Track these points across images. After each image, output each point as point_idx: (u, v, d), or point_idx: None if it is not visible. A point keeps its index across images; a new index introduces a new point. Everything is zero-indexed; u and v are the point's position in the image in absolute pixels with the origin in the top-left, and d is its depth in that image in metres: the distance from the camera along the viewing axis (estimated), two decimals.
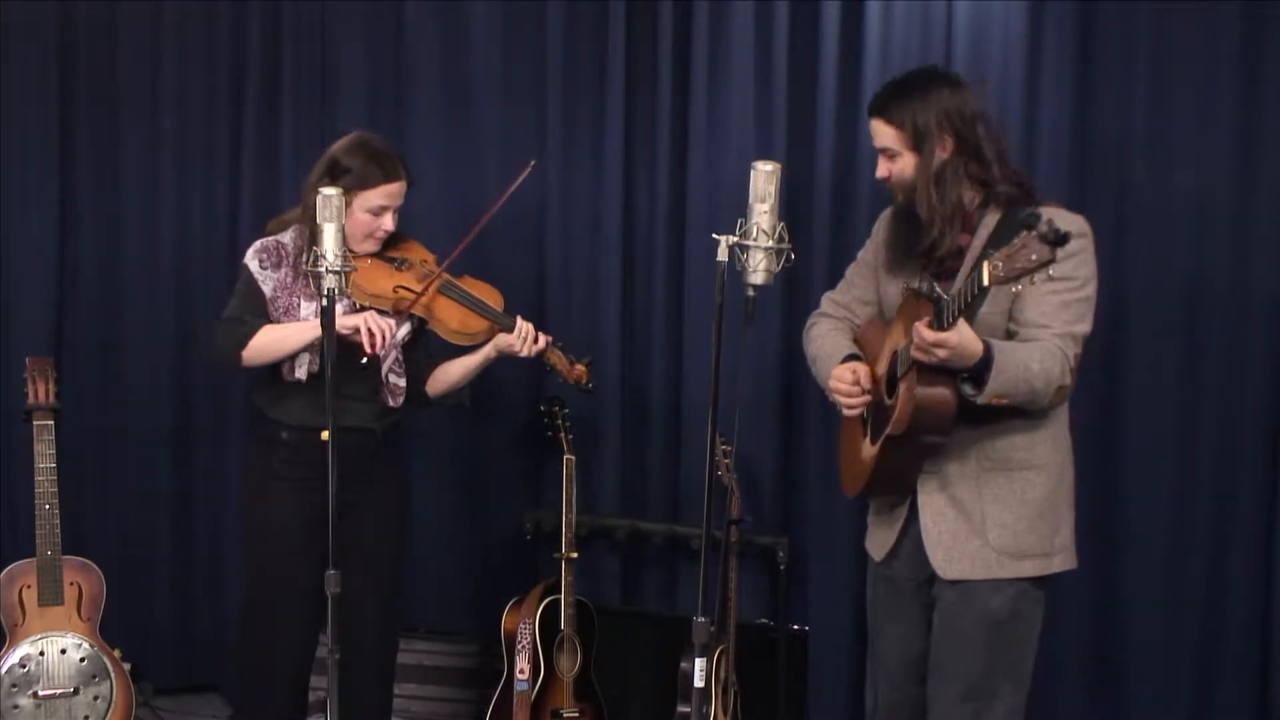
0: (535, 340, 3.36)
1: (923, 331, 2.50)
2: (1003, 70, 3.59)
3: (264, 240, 3.29)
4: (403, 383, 3.35)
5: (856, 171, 3.74)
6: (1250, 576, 3.53)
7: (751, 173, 2.34)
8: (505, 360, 3.41)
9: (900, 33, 3.70)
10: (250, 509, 3.37)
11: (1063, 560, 2.79)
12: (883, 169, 2.80)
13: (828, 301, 3.07)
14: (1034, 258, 2.26)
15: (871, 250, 2.98)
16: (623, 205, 4.06)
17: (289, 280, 3.24)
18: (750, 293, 2.37)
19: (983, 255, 2.38)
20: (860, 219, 3.72)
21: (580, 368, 3.54)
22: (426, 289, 3.30)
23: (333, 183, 3.14)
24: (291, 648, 3.32)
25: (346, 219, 3.17)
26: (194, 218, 4.40)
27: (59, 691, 3.52)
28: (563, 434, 3.79)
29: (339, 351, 3.16)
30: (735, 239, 2.35)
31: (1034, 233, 2.26)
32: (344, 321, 3.12)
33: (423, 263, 3.37)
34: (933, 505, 2.75)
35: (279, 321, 3.23)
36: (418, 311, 3.31)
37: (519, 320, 3.36)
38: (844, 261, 3.54)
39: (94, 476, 4.45)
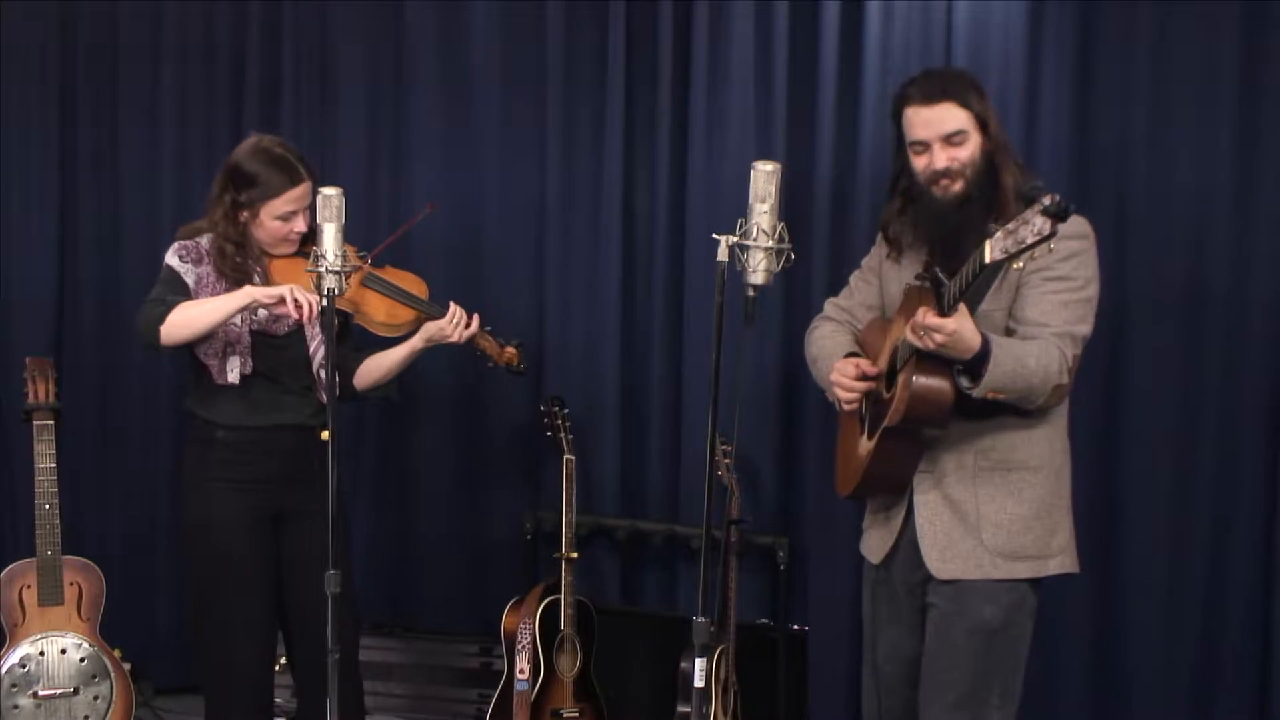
0: (467, 325, 3.29)
1: (922, 315, 2.49)
2: (1003, 70, 3.59)
3: (181, 241, 3.23)
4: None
5: (856, 171, 3.74)
6: (1250, 577, 3.53)
7: (751, 173, 2.33)
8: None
9: (900, 33, 3.69)
10: (190, 514, 3.25)
11: (1059, 563, 2.77)
12: (944, 158, 2.67)
13: (830, 306, 3.06)
14: (1036, 231, 2.24)
15: (876, 256, 2.97)
16: (623, 205, 4.05)
17: (211, 278, 3.17)
18: (750, 293, 2.37)
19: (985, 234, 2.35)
20: (860, 219, 3.71)
21: (511, 350, 3.48)
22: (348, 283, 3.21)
23: (237, 193, 3.14)
24: (249, 650, 3.23)
25: (258, 229, 3.17)
26: (194, 218, 4.38)
27: (59, 691, 3.52)
28: (563, 434, 3.78)
29: (268, 349, 3.16)
30: (735, 239, 2.35)
31: (1036, 206, 2.25)
32: (268, 291, 3.04)
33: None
34: (928, 505, 2.74)
35: None
36: (343, 306, 3.22)
37: (451, 305, 3.29)
38: (844, 261, 3.56)
39: (94, 476, 4.45)
